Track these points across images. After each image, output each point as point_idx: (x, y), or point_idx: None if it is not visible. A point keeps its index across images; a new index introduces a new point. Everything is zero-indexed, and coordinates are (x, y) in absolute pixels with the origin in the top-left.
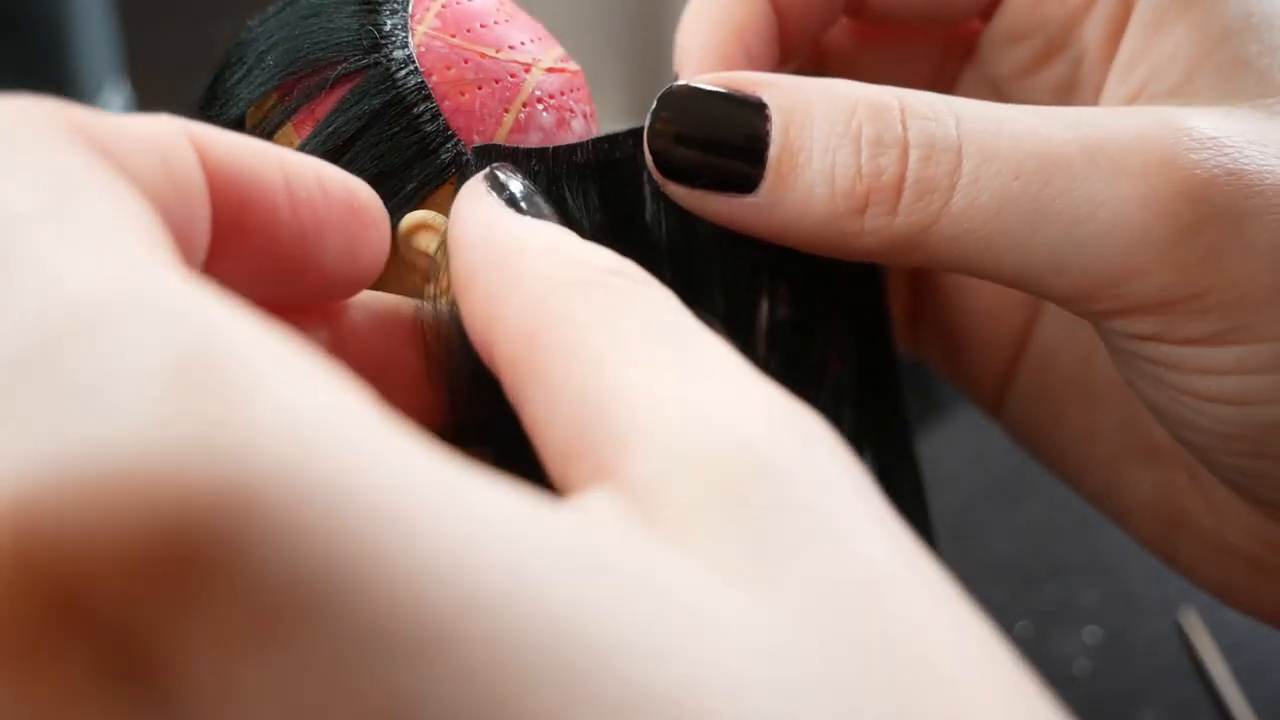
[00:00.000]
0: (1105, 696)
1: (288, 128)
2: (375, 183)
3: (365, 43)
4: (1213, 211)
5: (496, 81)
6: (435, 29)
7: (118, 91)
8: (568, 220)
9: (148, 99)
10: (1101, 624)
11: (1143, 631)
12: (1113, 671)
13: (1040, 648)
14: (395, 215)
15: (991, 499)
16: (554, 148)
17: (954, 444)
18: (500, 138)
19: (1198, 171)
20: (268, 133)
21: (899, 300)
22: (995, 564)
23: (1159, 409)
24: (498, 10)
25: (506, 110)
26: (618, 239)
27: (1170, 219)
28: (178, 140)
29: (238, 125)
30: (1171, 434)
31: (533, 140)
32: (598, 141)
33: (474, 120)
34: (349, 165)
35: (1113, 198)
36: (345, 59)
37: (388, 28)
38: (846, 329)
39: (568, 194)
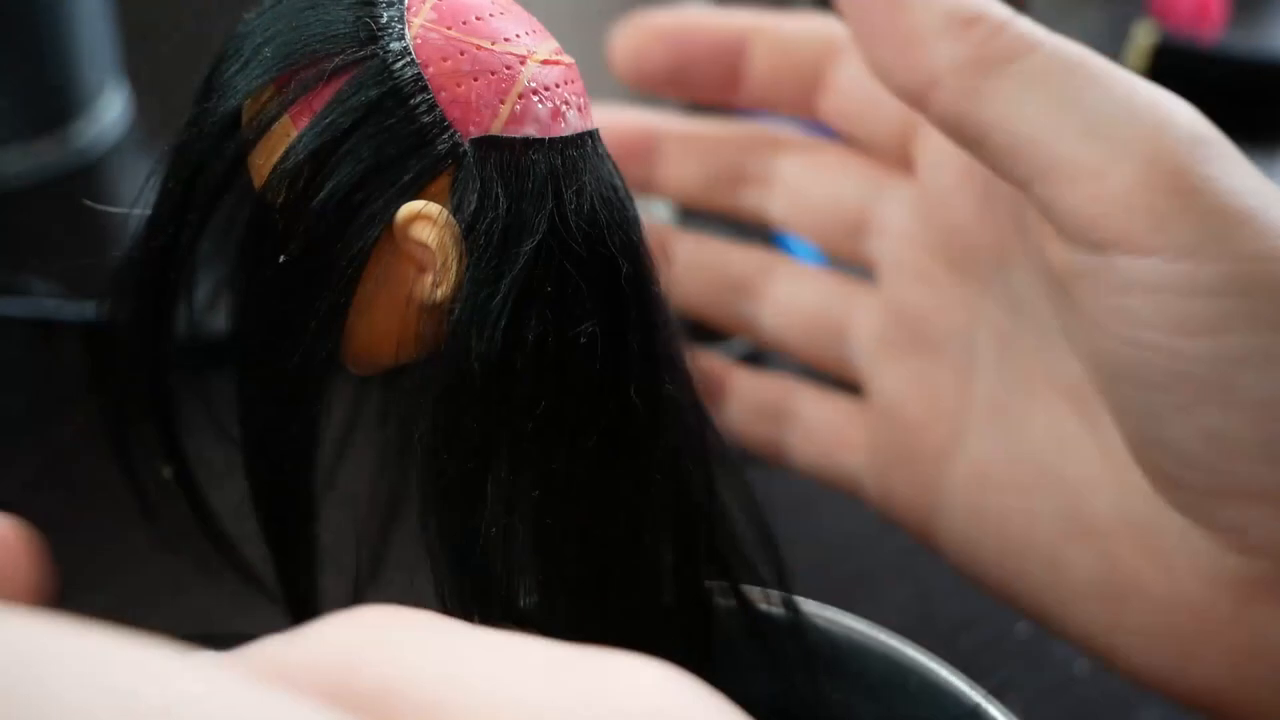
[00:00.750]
0: (1105, 696)
1: (285, 120)
2: (372, 173)
3: (362, 34)
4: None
5: (492, 73)
6: (431, 21)
7: (118, 91)
8: (559, 211)
9: (148, 99)
10: None
11: None
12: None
13: (1040, 648)
14: (392, 206)
15: None
16: (549, 139)
17: None
18: (496, 129)
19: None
20: (265, 125)
21: (850, 425)
22: None
23: (1113, 361)
24: (493, 3)
25: (502, 102)
26: (610, 229)
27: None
28: None
29: (234, 118)
30: (1118, 407)
31: (528, 132)
32: (593, 135)
33: (470, 111)
34: (345, 157)
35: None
36: (342, 51)
37: (384, 20)
38: None
39: (563, 186)
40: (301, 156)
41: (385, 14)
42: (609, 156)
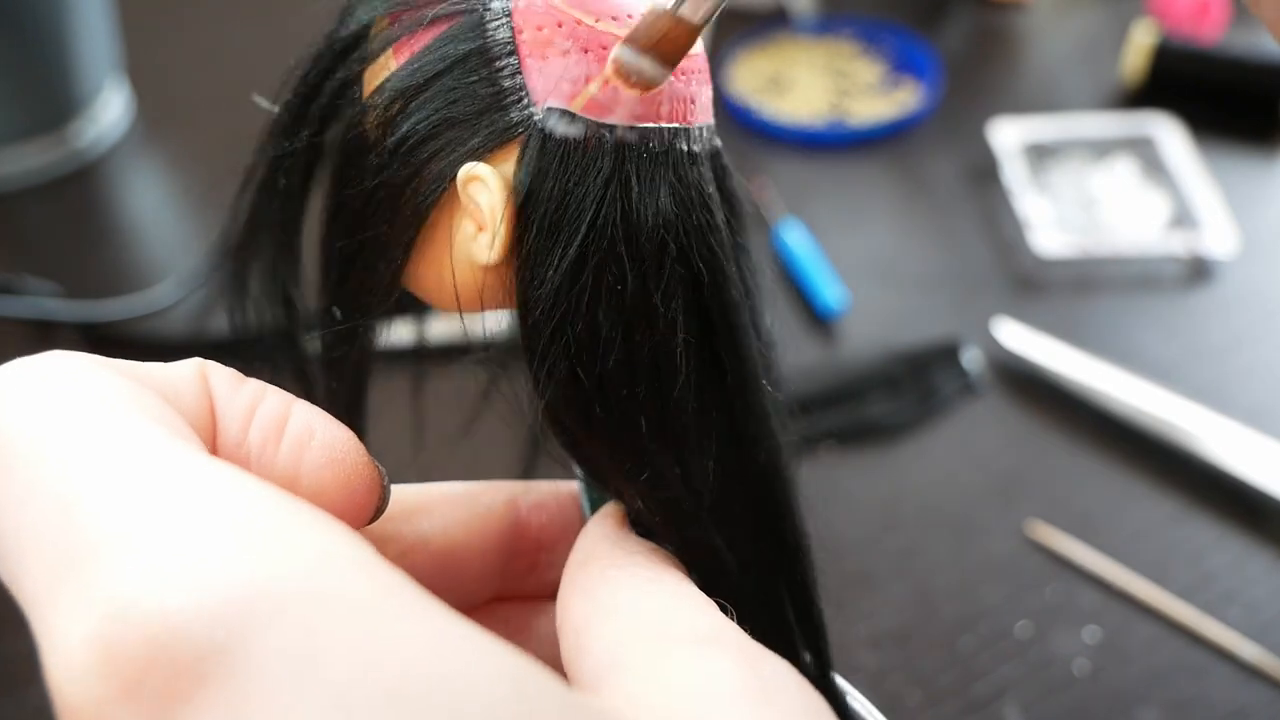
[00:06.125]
0: (1105, 696)
1: (389, 53)
2: (445, 126)
3: None
4: None
5: (585, 51)
6: None
7: (118, 91)
8: (624, 202)
9: (148, 99)
10: (1101, 624)
11: (1143, 631)
12: (1113, 671)
13: (1040, 648)
14: (459, 164)
15: (991, 499)
16: (630, 126)
17: (954, 444)
18: (576, 107)
19: None
20: (375, 52)
21: None
22: (995, 564)
23: None
24: None
25: (588, 81)
26: (687, 232)
27: None
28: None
29: (355, 40)
30: None
31: (610, 118)
32: (688, 132)
33: (552, 85)
34: (425, 104)
35: None
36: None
37: None
38: None
39: (633, 178)
40: (389, 94)
41: None
42: (718, 157)
